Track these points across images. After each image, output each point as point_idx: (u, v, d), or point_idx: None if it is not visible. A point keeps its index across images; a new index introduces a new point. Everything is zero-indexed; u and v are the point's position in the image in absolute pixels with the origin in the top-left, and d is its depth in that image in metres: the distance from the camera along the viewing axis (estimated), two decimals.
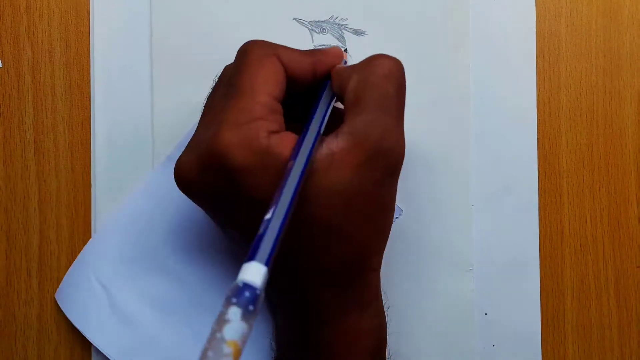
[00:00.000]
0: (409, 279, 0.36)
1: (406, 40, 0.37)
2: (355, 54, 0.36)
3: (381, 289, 0.31)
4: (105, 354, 0.34)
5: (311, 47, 0.36)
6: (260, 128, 0.26)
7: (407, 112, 0.36)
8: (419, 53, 0.37)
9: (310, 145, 0.26)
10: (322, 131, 0.27)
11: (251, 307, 0.20)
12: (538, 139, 0.37)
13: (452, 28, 0.37)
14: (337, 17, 0.36)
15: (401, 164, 0.28)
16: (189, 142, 0.28)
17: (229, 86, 0.28)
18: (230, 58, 0.30)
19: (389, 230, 0.29)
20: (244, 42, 0.29)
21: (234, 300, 0.20)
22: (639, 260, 0.38)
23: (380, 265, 0.30)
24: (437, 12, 0.37)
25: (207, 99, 0.30)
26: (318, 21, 0.36)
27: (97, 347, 0.34)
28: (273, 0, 0.36)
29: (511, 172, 0.37)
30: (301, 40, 0.36)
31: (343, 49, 0.36)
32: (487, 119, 0.37)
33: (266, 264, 0.21)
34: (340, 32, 0.36)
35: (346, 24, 0.36)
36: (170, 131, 0.36)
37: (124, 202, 0.35)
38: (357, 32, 0.37)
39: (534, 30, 0.37)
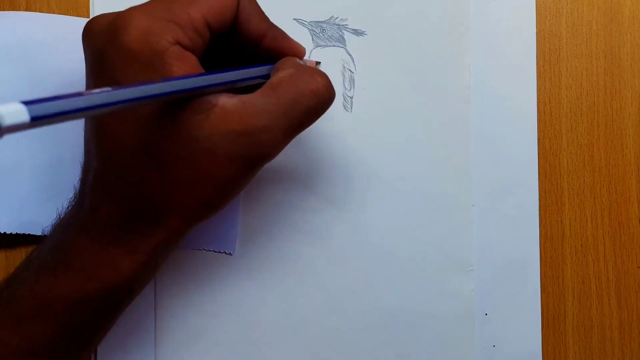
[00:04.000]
0: (409, 279, 0.36)
1: (406, 40, 0.37)
2: (356, 54, 0.36)
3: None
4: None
5: (311, 48, 0.36)
6: (169, 31, 0.26)
7: (407, 112, 0.36)
8: (419, 53, 0.37)
9: (198, 82, 0.25)
10: (224, 86, 0.27)
11: None
12: (538, 139, 0.37)
13: (452, 28, 0.37)
14: (337, 17, 0.36)
15: (262, 164, 0.28)
16: None
17: None
18: None
19: (211, 212, 0.28)
20: None
21: None
22: (639, 260, 0.37)
23: (176, 237, 0.28)
24: (437, 12, 0.37)
25: None
26: (318, 21, 0.36)
27: None
28: (273, 0, 0.36)
29: (511, 172, 0.37)
30: (301, 41, 0.36)
31: (315, 62, 0.36)
32: (487, 119, 0.37)
33: (33, 117, 0.19)
34: (340, 32, 0.36)
35: (346, 24, 0.36)
36: None
37: None
38: (357, 32, 0.37)
39: (534, 30, 0.37)
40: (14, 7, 0.36)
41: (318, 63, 0.36)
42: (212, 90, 0.26)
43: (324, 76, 0.28)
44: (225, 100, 0.26)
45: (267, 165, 0.28)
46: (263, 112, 0.26)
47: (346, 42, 0.36)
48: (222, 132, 0.26)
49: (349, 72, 0.36)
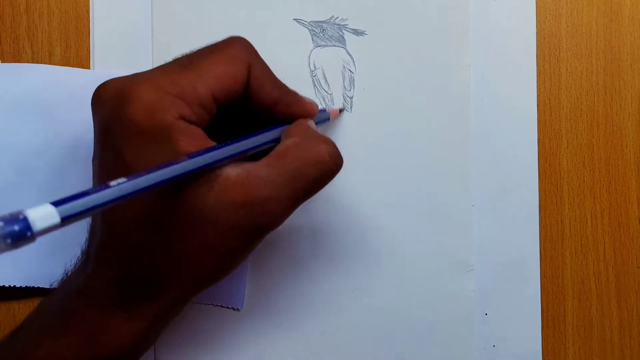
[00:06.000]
0: (409, 279, 0.36)
1: (406, 40, 0.37)
2: (356, 54, 0.36)
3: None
4: None
5: (311, 47, 0.36)
6: (175, 107, 0.26)
7: (407, 112, 0.36)
8: (419, 53, 0.37)
9: (208, 158, 0.25)
10: (236, 156, 0.27)
11: (9, 241, 0.18)
12: (538, 139, 0.37)
13: (452, 28, 0.37)
14: (337, 17, 0.36)
15: (266, 233, 0.27)
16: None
17: (191, 57, 0.27)
18: None
19: (215, 281, 0.28)
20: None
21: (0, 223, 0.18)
22: (639, 260, 0.37)
23: (178, 305, 0.28)
24: (437, 12, 0.37)
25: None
26: (318, 21, 0.36)
27: None
28: (273, 1, 0.36)
29: (511, 172, 0.37)
30: (301, 41, 0.36)
31: (339, 110, 0.36)
32: (487, 118, 0.37)
33: (63, 218, 0.20)
34: (340, 32, 0.36)
35: (346, 24, 0.36)
36: None
37: None
38: (357, 32, 0.37)
39: (534, 30, 0.37)
40: (13, 6, 0.36)
41: (342, 110, 0.36)
42: (220, 164, 0.26)
43: (331, 144, 0.28)
44: (229, 171, 0.26)
45: None
46: (267, 182, 0.26)
47: (346, 42, 0.36)
48: (225, 203, 0.26)
49: (349, 72, 0.36)
